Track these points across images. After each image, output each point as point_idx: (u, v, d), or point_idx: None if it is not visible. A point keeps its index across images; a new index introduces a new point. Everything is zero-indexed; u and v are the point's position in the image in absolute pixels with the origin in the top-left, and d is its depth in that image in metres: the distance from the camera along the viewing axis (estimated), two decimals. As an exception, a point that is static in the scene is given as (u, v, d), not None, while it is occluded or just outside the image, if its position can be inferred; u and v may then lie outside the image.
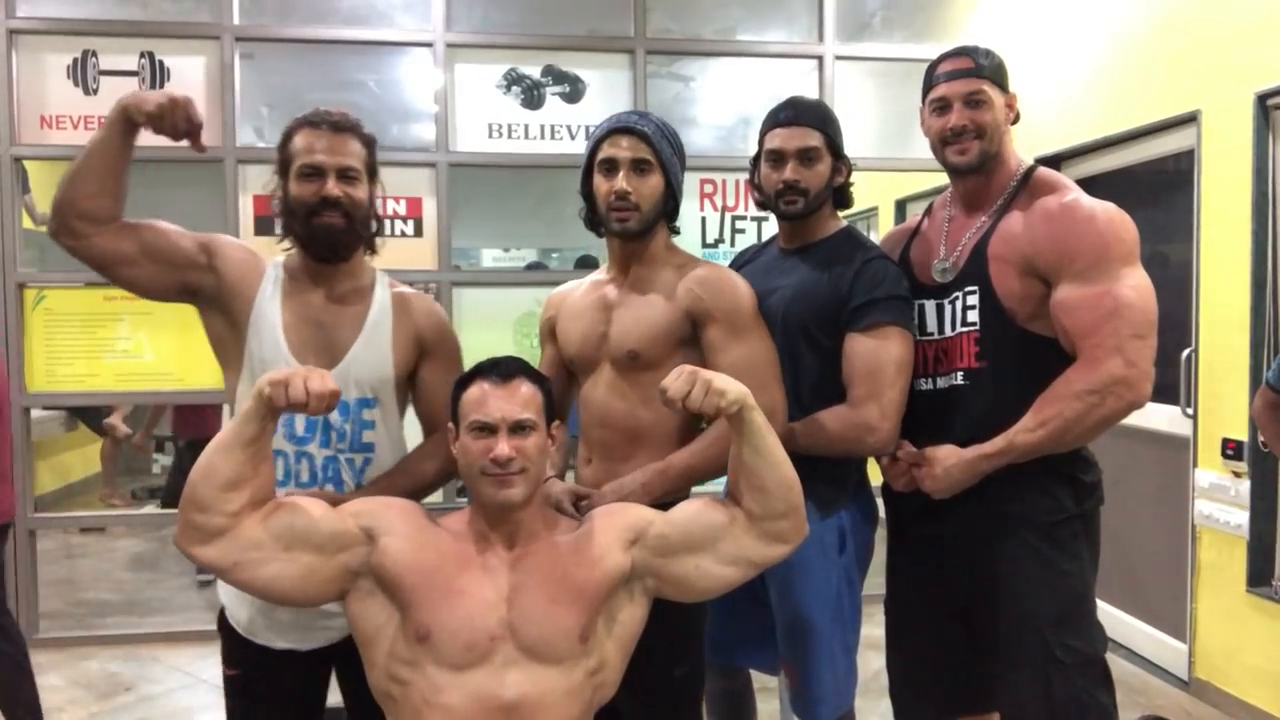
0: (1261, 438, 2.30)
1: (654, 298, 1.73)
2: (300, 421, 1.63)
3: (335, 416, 1.62)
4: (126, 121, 1.50)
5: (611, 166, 1.71)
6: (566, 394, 1.91)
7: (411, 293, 1.78)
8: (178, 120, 1.50)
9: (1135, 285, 1.62)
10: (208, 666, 3.45)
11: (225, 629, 1.70)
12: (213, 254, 1.64)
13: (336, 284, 1.68)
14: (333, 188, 1.59)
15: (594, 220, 1.80)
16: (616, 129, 1.72)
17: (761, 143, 1.93)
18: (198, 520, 1.35)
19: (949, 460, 1.69)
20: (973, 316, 1.74)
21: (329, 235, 1.61)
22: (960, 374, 1.76)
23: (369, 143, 1.67)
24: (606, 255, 1.87)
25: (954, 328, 1.77)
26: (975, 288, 1.73)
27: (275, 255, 1.72)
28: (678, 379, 1.39)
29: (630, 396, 1.73)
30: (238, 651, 1.68)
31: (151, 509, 5.55)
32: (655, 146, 1.70)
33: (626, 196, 1.69)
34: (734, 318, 1.69)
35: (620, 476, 1.69)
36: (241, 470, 1.36)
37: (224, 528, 1.35)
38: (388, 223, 3.75)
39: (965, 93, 1.74)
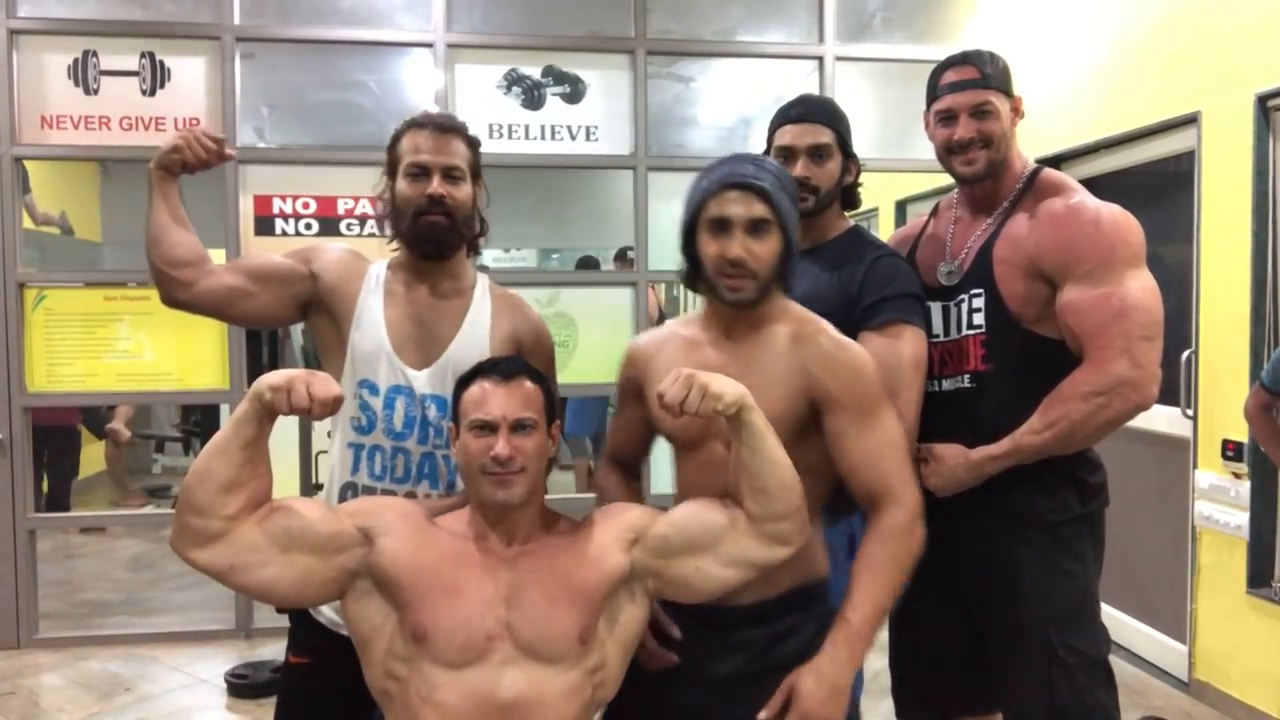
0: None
1: (769, 374, 1.49)
2: (399, 417, 1.65)
3: (434, 413, 1.66)
4: (163, 170, 1.63)
5: (723, 227, 1.48)
6: (642, 457, 1.76)
7: (512, 294, 1.81)
8: (198, 149, 1.62)
9: (1142, 287, 1.62)
10: (208, 666, 3.45)
11: (300, 617, 1.71)
12: (311, 259, 1.70)
13: (439, 282, 1.71)
14: (437, 186, 1.63)
15: (695, 280, 1.56)
16: (730, 184, 1.48)
17: (770, 140, 1.92)
18: (194, 524, 1.34)
19: (954, 459, 1.69)
20: (979, 319, 1.74)
21: (432, 233, 1.64)
22: (967, 376, 1.76)
23: (474, 144, 1.71)
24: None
25: (960, 330, 1.77)
26: (981, 290, 1.73)
27: (381, 257, 1.77)
28: (674, 384, 1.38)
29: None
30: (313, 639, 1.69)
31: (151, 509, 5.56)
32: (774, 203, 1.47)
33: (743, 264, 1.46)
34: (862, 400, 1.48)
35: None
36: (239, 473, 1.34)
37: (221, 531, 1.34)
38: (387, 223, 3.76)
39: (971, 104, 1.73)
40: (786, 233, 1.50)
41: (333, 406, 1.35)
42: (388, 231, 1.72)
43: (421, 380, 1.65)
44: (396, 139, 1.69)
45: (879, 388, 1.50)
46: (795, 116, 1.87)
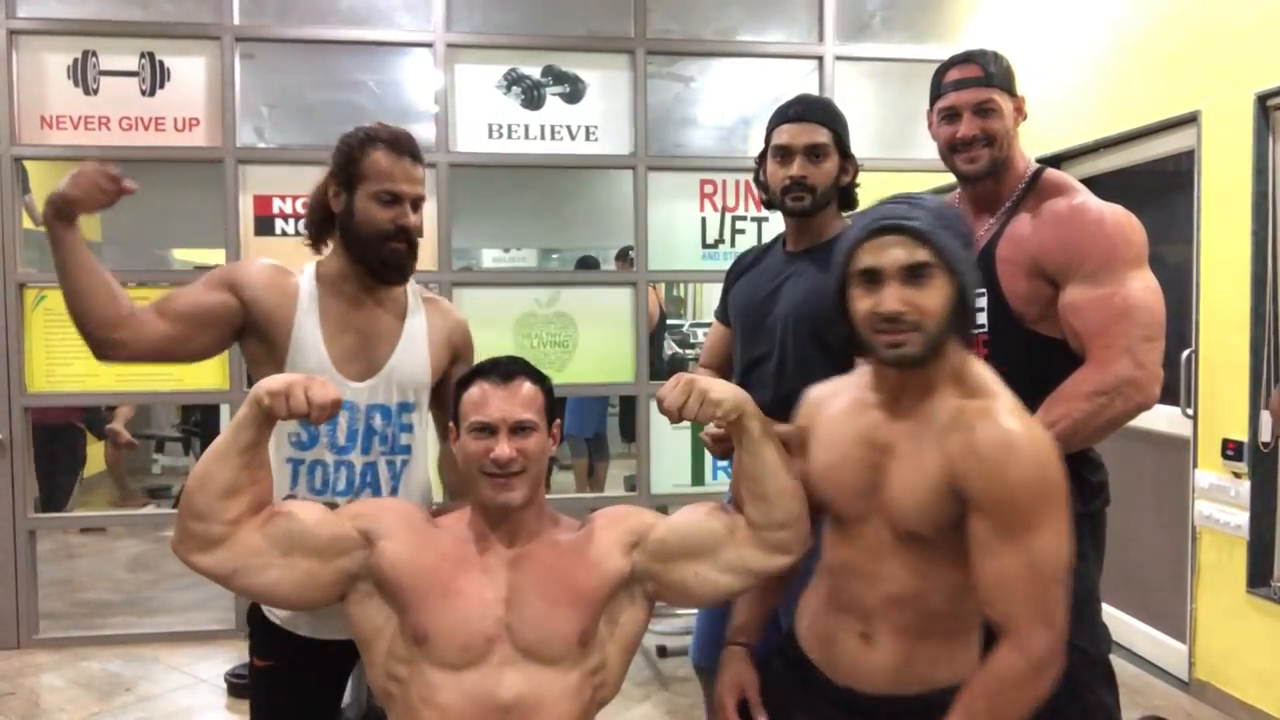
0: (1263, 437, 2.30)
1: (927, 455, 1.30)
2: (342, 432, 1.64)
3: (379, 421, 1.67)
4: (63, 220, 1.50)
5: (874, 278, 1.29)
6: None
7: (438, 297, 1.85)
8: (95, 194, 1.50)
9: (1144, 287, 1.62)
10: (208, 666, 3.45)
11: (258, 621, 1.70)
12: (239, 286, 1.64)
13: (374, 290, 1.71)
14: (411, 218, 1.65)
15: (853, 342, 1.36)
16: (878, 229, 1.29)
17: (768, 139, 1.92)
18: (196, 529, 1.34)
19: None
20: (981, 318, 1.74)
21: (398, 260, 1.66)
22: None
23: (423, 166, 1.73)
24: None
25: None
26: (983, 290, 1.73)
27: (303, 263, 1.73)
28: (673, 389, 1.37)
29: (922, 575, 1.33)
30: (274, 644, 1.69)
31: (151, 509, 5.56)
32: (935, 243, 1.27)
33: (901, 318, 1.27)
34: (1011, 513, 1.23)
35: (918, 658, 1.35)
36: (239, 477, 1.34)
37: (222, 535, 1.35)
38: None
39: (975, 102, 1.73)
40: (958, 276, 1.28)
41: (331, 410, 1.35)
42: (303, 232, 1.72)
43: (364, 393, 1.66)
44: (361, 152, 1.64)
45: (1043, 502, 1.23)
46: (793, 116, 1.88)
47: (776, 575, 1.47)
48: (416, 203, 1.67)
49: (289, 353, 1.64)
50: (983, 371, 1.35)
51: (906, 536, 1.32)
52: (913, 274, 1.27)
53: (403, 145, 1.65)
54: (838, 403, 1.45)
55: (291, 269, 1.71)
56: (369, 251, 1.64)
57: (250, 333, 1.67)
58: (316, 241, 1.72)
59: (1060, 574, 1.24)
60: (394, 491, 1.69)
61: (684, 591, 1.46)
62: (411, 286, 1.77)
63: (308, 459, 1.65)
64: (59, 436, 5.02)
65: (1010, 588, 1.23)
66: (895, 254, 1.27)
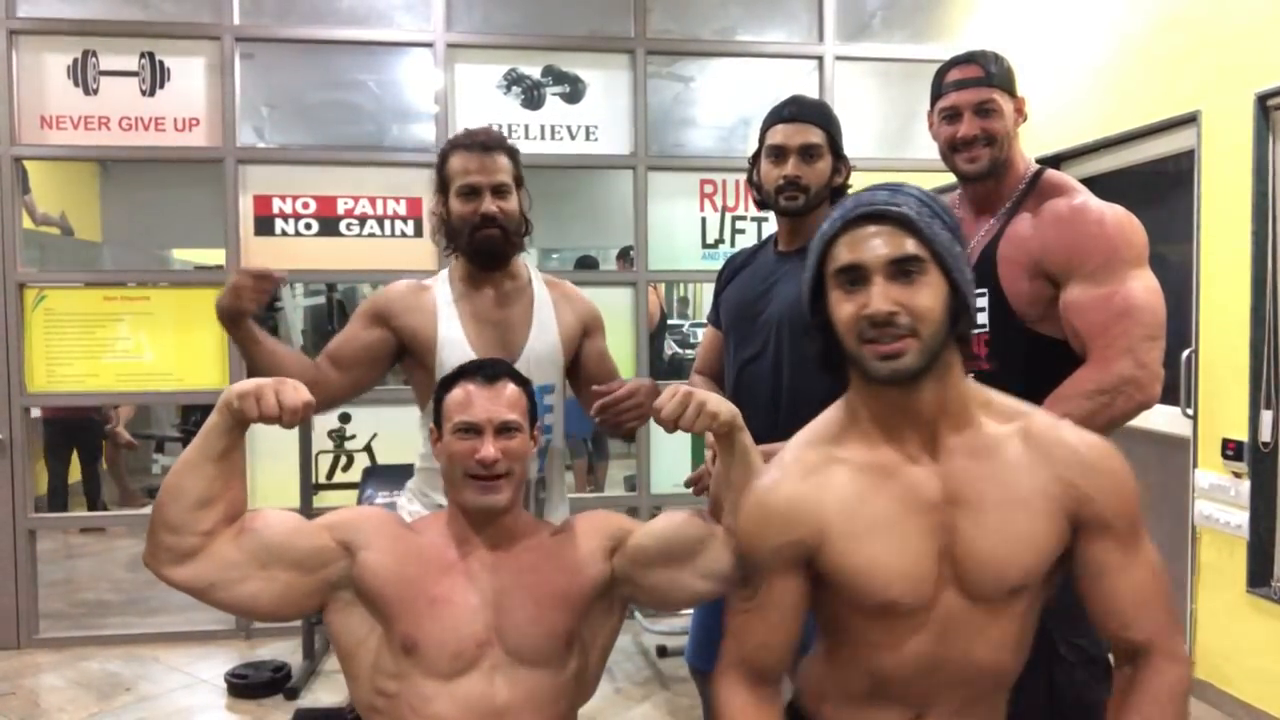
0: (1263, 437, 2.30)
1: (1023, 489, 1.13)
2: None
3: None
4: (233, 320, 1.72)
5: (857, 277, 1.10)
6: (790, 661, 1.23)
7: (561, 282, 1.99)
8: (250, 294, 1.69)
9: (1145, 287, 1.63)
10: (208, 666, 3.45)
11: None
12: (388, 317, 1.81)
13: (501, 283, 1.85)
14: (489, 205, 1.76)
15: (830, 359, 1.18)
16: (858, 216, 1.12)
17: (762, 139, 1.93)
18: (169, 541, 1.30)
19: None
20: (983, 318, 1.74)
21: (490, 246, 1.79)
22: (972, 376, 1.76)
23: (514, 155, 1.83)
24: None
25: None
26: (985, 290, 1.74)
27: (440, 270, 1.90)
28: (670, 400, 1.35)
29: (1008, 639, 1.17)
30: None
31: (151, 509, 5.55)
32: (925, 234, 1.09)
33: (892, 321, 1.08)
34: (1131, 521, 1.15)
35: None
36: (212, 487, 1.31)
37: (197, 547, 1.31)
38: (387, 223, 3.76)
39: (975, 102, 1.74)
40: (952, 272, 1.10)
41: (303, 413, 1.31)
42: (442, 243, 1.86)
43: None
44: (444, 160, 1.81)
45: (1138, 499, 1.16)
46: (787, 116, 1.89)
47: None
48: (499, 190, 1.77)
49: (437, 356, 1.77)
50: (999, 395, 1.22)
51: (998, 599, 1.13)
52: (901, 269, 1.09)
53: (476, 140, 1.78)
54: (839, 481, 1.15)
55: (427, 282, 1.87)
56: (465, 244, 1.79)
57: (405, 351, 1.84)
58: (449, 250, 1.86)
59: (1168, 577, 1.18)
60: (540, 469, 1.82)
61: (659, 596, 1.46)
62: (536, 275, 1.92)
63: None
64: (78, 427, 5.27)
65: (1149, 603, 1.14)
66: (879, 246, 1.09)
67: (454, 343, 1.77)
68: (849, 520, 1.12)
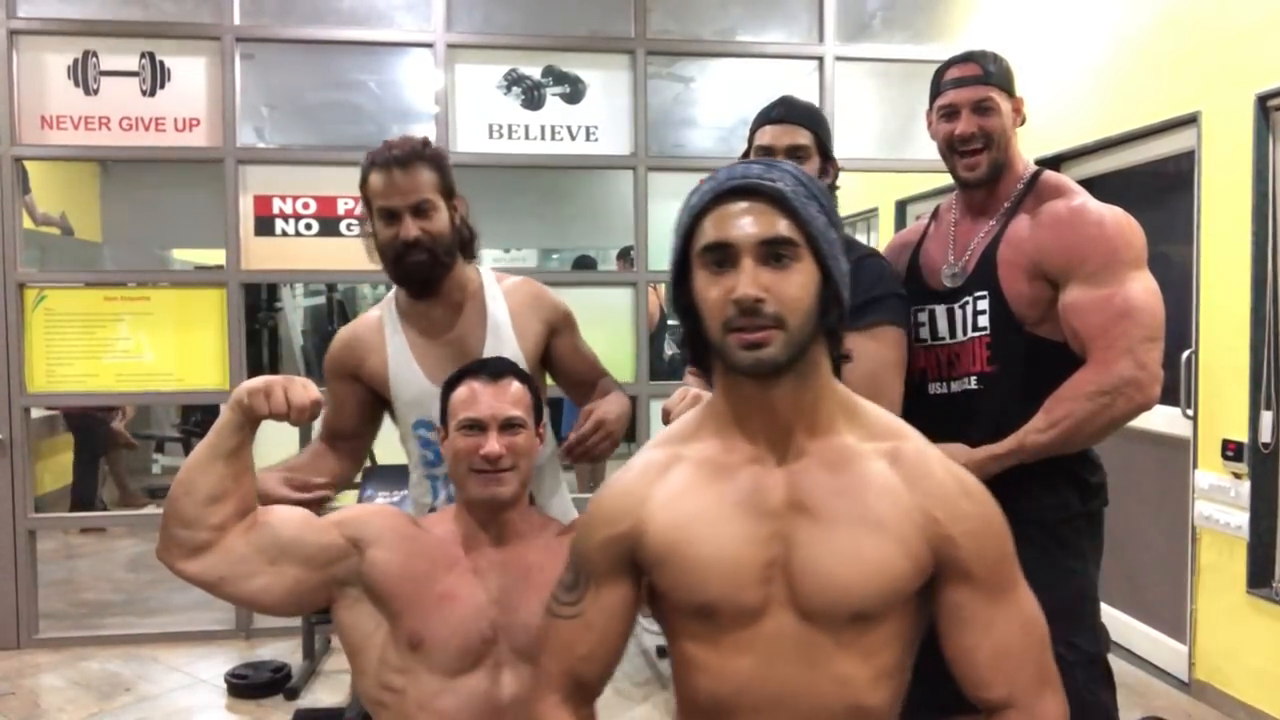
0: (1263, 437, 2.30)
1: (874, 513, 1.03)
2: None
3: None
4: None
5: (724, 257, 1.01)
6: (608, 678, 1.23)
7: (520, 279, 1.83)
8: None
9: (1144, 288, 1.64)
10: (208, 666, 3.45)
11: None
12: (353, 371, 1.74)
13: (450, 296, 1.71)
14: (409, 230, 1.60)
15: (697, 351, 1.08)
16: (729, 190, 1.03)
17: (751, 140, 1.94)
18: (181, 536, 1.34)
19: (958, 458, 1.69)
20: (983, 321, 1.75)
21: (418, 272, 1.64)
22: (973, 378, 1.77)
23: (439, 163, 1.65)
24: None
25: (965, 333, 1.78)
26: (985, 292, 1.74)
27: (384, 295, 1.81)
28: (680, 401, 1.38)
29: (843, 668, 1.05)
30: None
31: (151, 509, 5.55)
32: (799, 214, 1.01)
33: (758, 309, 0.98)
34: (998, 570, 1.06)
35: None
36: (223, 483, 1.33)
37: (209, 542, 1.34)
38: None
39: (973, 100, 1.74)
40: (823, 260, 1.01)
41: (311, 411, 1.34)
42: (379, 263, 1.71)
43: None
44: (364, 178, 1.64)
45: (1014, 556, 1.07)
46: (775, 117, 1.89)
47: None
48: (419, 209, 1.60)
49: (392, 392, 1.72)
50: (874, 409, 1.12)
51: (839, 624, 1.03)
52: (772, 252, 0.99)
53: (391, 156, 1.60)
54: (672, 478, 1.08)
55: (374, 312, 1.78)
56: (393, 272, 1.66)
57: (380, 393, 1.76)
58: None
59: (1046, 630, 1.10)
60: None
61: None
62: (491, 280, 1.77)
63: (439, 474, 1.73)
64: (88, 426, 5.37)
65: (1012, 661, 1.05)
66: (749, 225, 0.99)
67: (405, 378, 1.70)
68: (670, 511, 1.06)
